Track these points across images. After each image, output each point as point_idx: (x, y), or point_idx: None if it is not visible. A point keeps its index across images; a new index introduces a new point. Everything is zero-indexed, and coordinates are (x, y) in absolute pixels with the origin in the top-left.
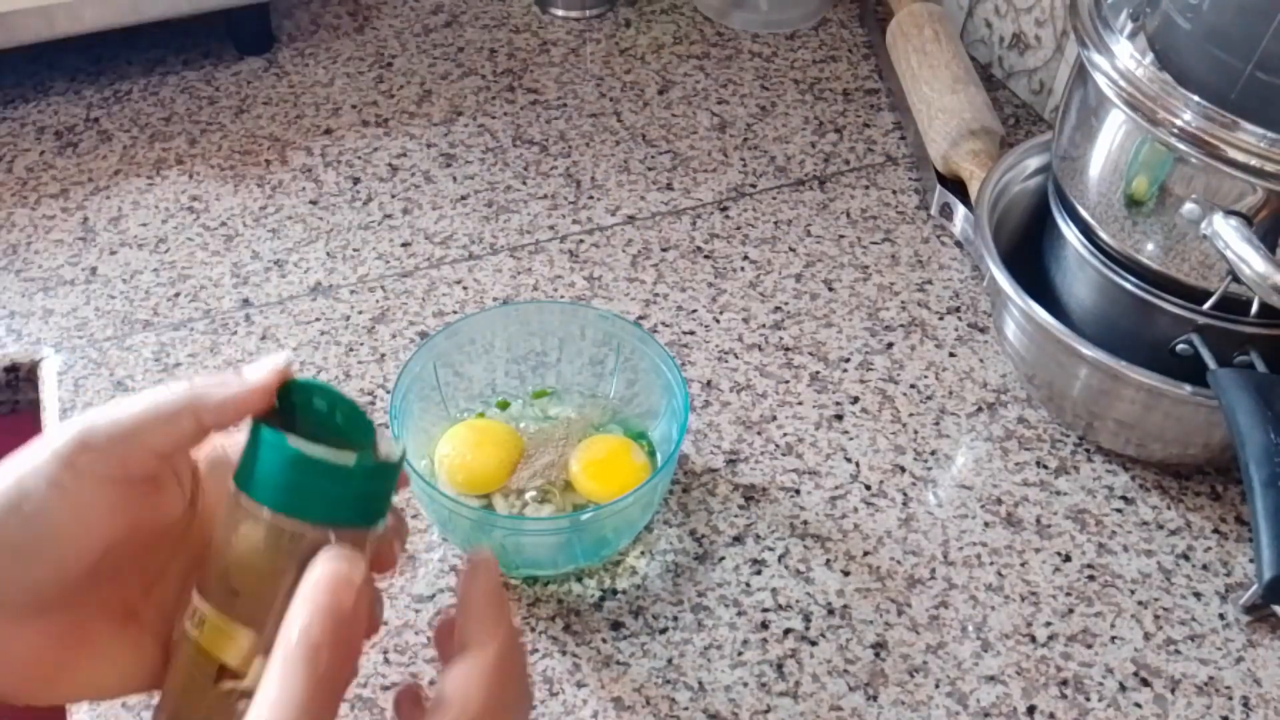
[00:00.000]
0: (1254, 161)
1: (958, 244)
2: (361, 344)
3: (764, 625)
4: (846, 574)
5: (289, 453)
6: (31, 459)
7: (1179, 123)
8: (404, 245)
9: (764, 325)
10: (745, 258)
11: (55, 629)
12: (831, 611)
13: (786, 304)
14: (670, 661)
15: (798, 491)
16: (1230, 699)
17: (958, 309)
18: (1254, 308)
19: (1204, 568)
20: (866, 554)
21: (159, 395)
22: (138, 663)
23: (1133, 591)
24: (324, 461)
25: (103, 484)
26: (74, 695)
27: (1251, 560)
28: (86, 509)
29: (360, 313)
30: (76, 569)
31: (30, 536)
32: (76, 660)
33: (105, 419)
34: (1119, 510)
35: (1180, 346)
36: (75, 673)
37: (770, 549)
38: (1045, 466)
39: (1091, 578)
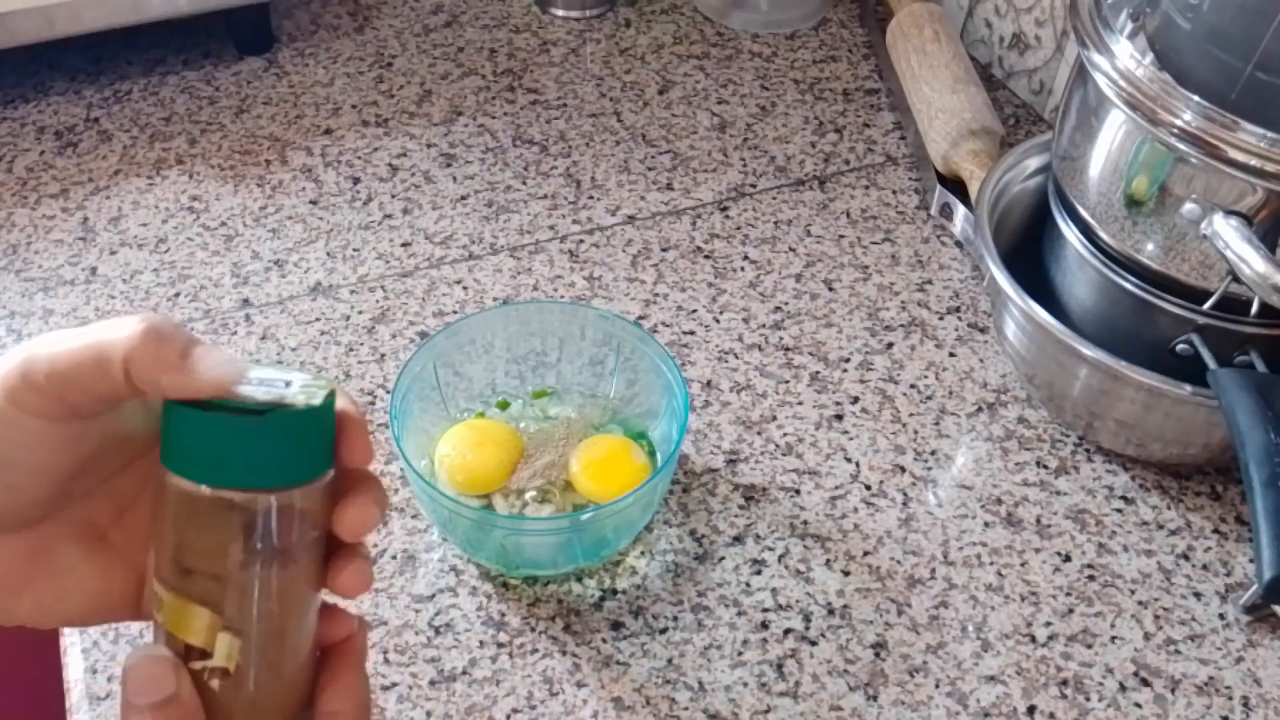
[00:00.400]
0: (1254, 161)
1: (958, 244)
2: (361, 344)
3: (764, 625)
4: (846, 574)
5: (197, 419)
6: None
7: (1179, 123)
8: (404, 245)
9: (764, 325)
10: (745, 258)
11: (18, 546)
12: (831, 611)
13: (786, 304)
14: (670, 661)
15: (798, 491)
16: (1230, 699)
17: (958, 309)
18: (1254, 308)
19: (1204, 568)
20: (866, 554)
21: (101, 336)
22: (105, 589)
23: (1133, 591)
24: (232, 420)
25: (44, 421)
26: (37, 616)
27: (1251, 560)
28: (36, 439)
29: (360, 313)
30: (34, 494)
31: None
32: (39, 578)
33: (45, 354)
34: (1119, 510)
35: (1180, 346)
36: (38, 591)
37: (770, 549)
38: (1045, 466)
39: (1091, 578)
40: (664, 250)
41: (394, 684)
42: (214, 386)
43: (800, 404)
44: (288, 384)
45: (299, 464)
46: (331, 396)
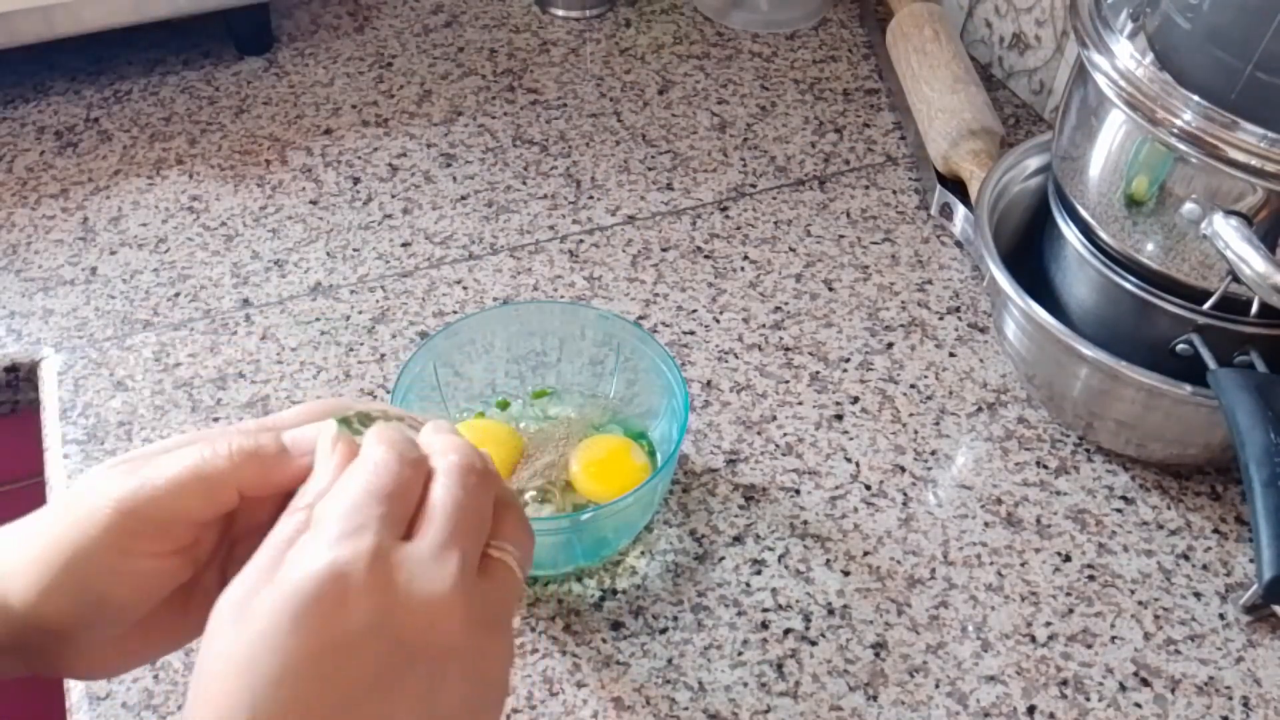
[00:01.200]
0: (1254, 161)
1: (958, 244)
2: (361, 344)
3: (764, 625)
4: (846, 574)
5: None
6: (75, 536)
7: (1179, 123)
8: (404, 245)
9: (764, 325)
10: (745, 258)
11: (119, 642)
12: (831, 611)
13: (786, 304)
14: (670, 661)
15: (798, 491)
16: (1230, 699)
17: (958, 309)
18: (1254, 308)
19: (1204, 568)
20: (866, 554)
21: (200, 462)
22: (191, 629)
23: (1133, 591)
24: None
25: (153, 558)
26: (136, 665)
27: (1251, 560)
28: (141, 581)
29: (360, 313)
30: (141, 610)
31: (92, 612)
32: (140, 651)
33: (146, 493)
34: (1119, 510)
35: (1180, 346)
36: (136, 658)
37: (770, 549)
38: (1045, 466)
39: (1091, 578)
40: (664, 250)
41: None
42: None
43: (800, 404)
44: None
45: None
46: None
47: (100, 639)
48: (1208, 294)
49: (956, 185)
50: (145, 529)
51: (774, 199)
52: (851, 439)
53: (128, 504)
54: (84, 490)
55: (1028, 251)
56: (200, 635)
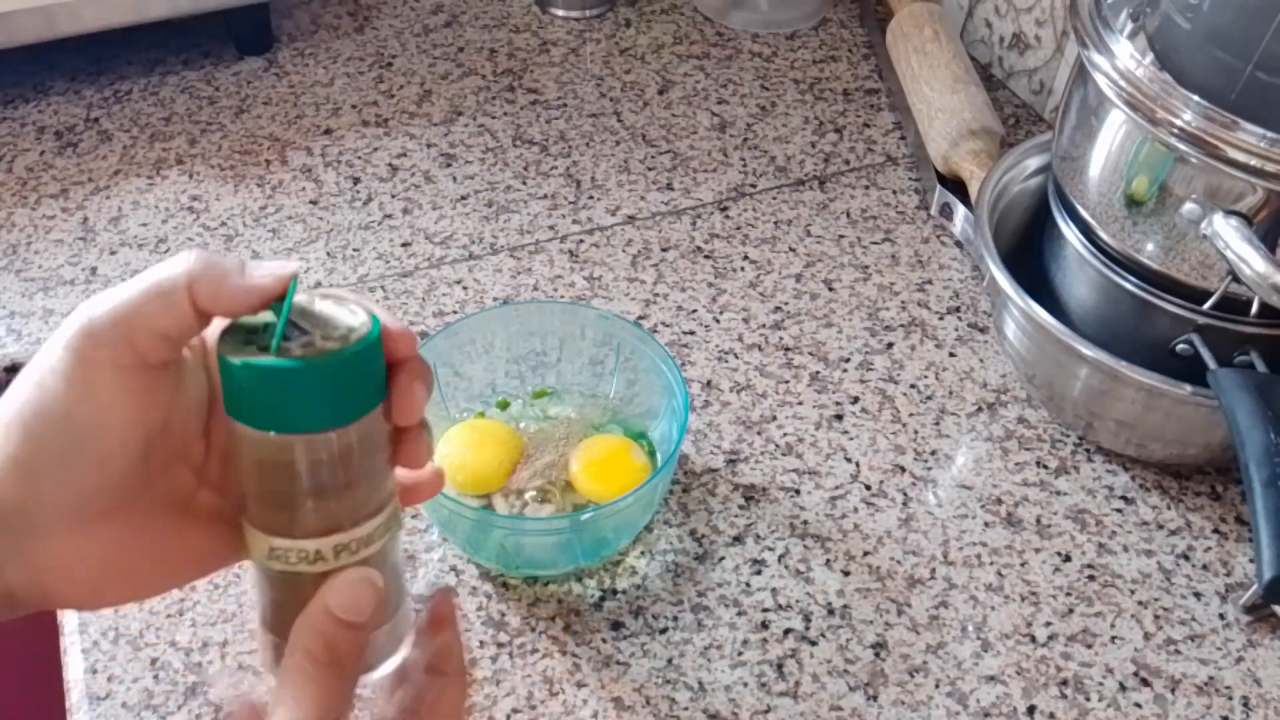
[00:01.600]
0: (1254, 161)
1: (958, 244)
2: None
3: (764, 625)
4: (846, 574)
5: (255, 370)
6: (45, 358)
7: (1179, 123)
8: (404, 245)
9: (764, 325)
10: (745, 258)
11: (115, 534)
12: (831, 611)
13: (786, 304)
14: (670, 661)
15: (798, 491)
16: (1230, 699)
17: (958, 309)
18: (1254, 308)
19: (1204, 568)
20: (866, 554)
21: (157, 275)
22: (188, 555)
23: (1133, 591)
24: (289, 369)
25: (118, 372)
26: (132, 597)
27: (1251, 560)
28: (109, 400)
29: None
30: (120, 465)
31: (65, 438)
32: (137, 564)
33: (105, 305)
34: (1119, 510)
35: (1180, 346)
36: (135, 576)
37: (770, 549)
38: (1045, 466)
39: (1091, 578)
40: (664, 250)
41: None
42: (277, 283)
43: (800, 404)
44: (327, 321)
45: (357, 400)
46: (376, 328)
47: (73, 512)
48: (1208, 294)
49: (956, 185)
50: (105, 335)
51: (774, 199)
52: (851, 439)
53: (86, 314)
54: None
55: (1028, 251)
56: (200, 573)
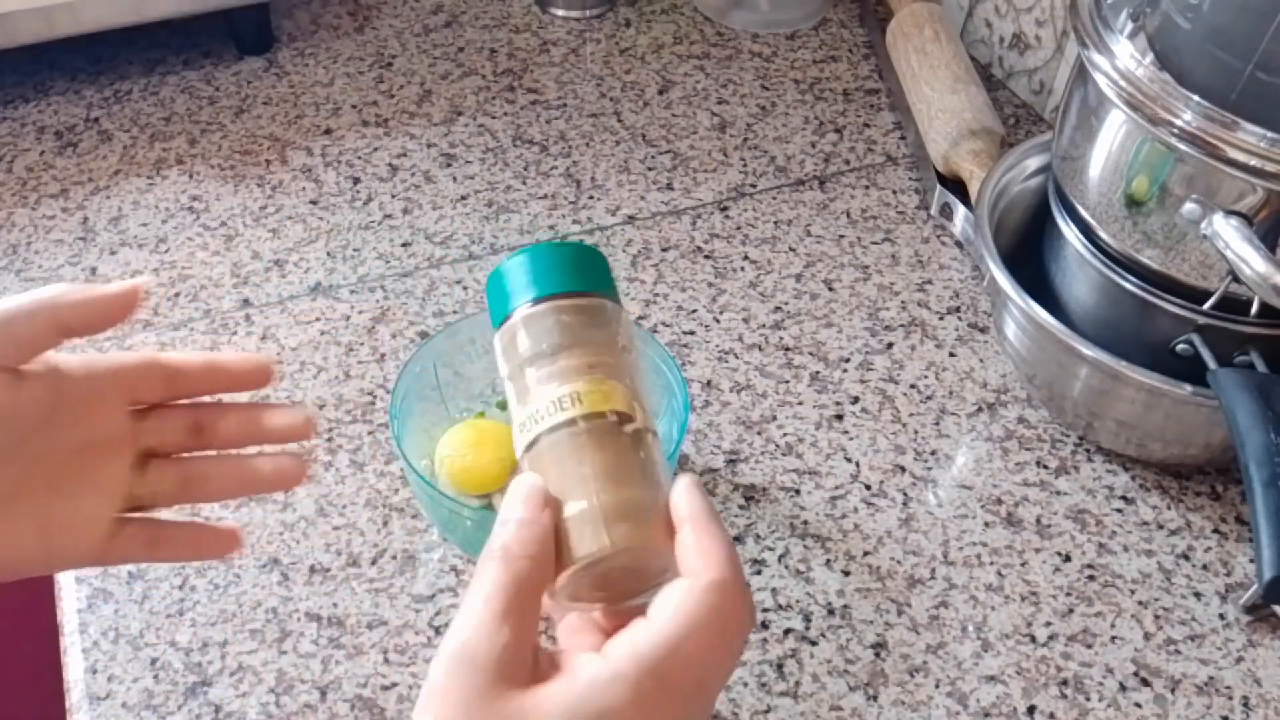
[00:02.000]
0: (1254, 161)
1: (958, 244)
2: (361, 344)
3: (764, 625)
4: (846, 574)
5: (547, 249)
6: None
7: (1179, 123)
8: (404, 245)
9: (764, 325)
10: (745, 258)
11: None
12: (831, 611)
13: (786, 304)
14: None
15: (798, 491)
16: (1230, 699)
17: (958, 309)
18: (1254, 308)
19: (1204, 568)
20: (866, 554)
21: (19, 297)
22: (10, 545)
23: (1133, 591)
24: (573, 245)
25: None
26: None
27: (1251, 560)
28: None
29: (360, 313)
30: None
31: None
32: (32, 513)
33: None
34: (1119, 510)
35: (1180, 346)
36: (31, 531)
37: (770, 549)
38: (1045, 466)
39: (1091, 578)
40: (664, 250)
41: (394, 684)
42: (133, 291)
43: (800, 404)
44: None
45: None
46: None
47: None
48: (1208, 294)
49: (956, 185)
50: None
51: (774, 199)
52: (851, 439)
53: None
54: None
55: (1028, 251)
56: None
